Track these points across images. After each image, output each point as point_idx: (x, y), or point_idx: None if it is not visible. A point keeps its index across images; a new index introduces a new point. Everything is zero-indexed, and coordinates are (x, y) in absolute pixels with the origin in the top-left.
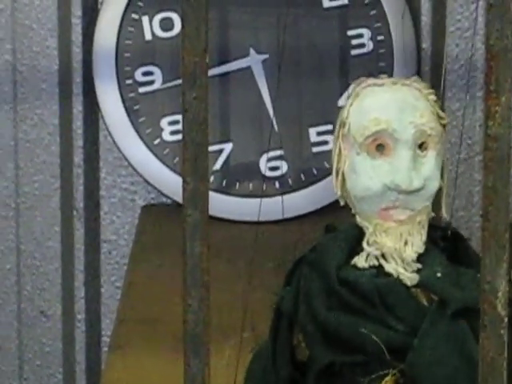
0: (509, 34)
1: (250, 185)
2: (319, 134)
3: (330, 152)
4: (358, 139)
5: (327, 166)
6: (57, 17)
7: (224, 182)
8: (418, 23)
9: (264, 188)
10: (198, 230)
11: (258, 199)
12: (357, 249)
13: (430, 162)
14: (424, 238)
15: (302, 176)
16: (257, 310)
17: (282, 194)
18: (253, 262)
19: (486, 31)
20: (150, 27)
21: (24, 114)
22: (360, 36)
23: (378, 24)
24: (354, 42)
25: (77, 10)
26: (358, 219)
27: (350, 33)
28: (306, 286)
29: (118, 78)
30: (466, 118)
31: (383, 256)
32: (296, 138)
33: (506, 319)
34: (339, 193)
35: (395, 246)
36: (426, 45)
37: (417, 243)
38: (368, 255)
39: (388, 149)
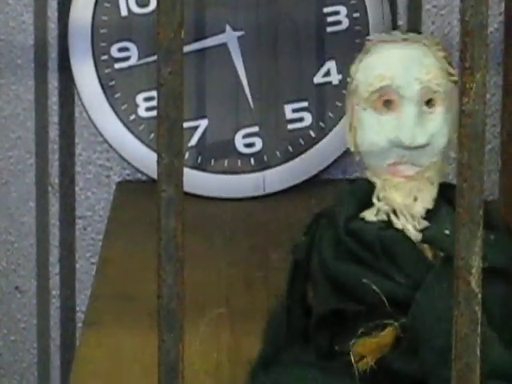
0: (484, 10)
1: (226, 161)
2: (295, 110)
3: (305, 129)
4: (363, 95)
5: (302, 143)
6: None
7: (199, 159)
8: (394, 0)
9: (239, 165)
10: (172, 205)
11: (233, 176)
12: (368, 203)
13: (437, 119)
14: (434, 194)
15: (278, 153)
16: (233, 286)
17: (258, 170)
18: (229, 239)
19: (461, 7)
20: (126, 3)
21: (2, 90)
22: (336, 13)
23: (354, 1)
24: (330, 19)
25: None
26: (368, 174)
27: (326, 10)
28: (320, 236)
29: (93, 53)
30: None
31: (394, 211)
32: (271, 114)
33: (479, 295)
34: (352, 148)
35: (404, 202)
36: (401, 22)
37: (426, 199)
38: (378, 210)
39: (394, 105)
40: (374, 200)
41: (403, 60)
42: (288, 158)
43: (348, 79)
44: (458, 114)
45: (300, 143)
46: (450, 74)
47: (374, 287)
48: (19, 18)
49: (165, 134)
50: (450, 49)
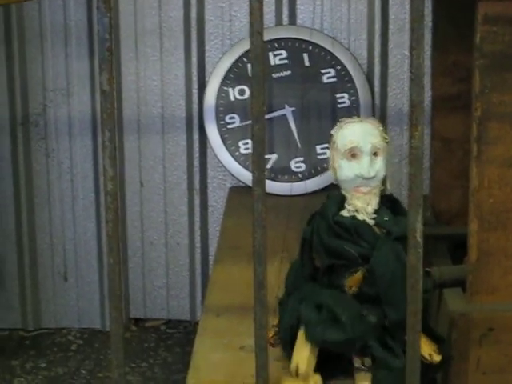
0: (421, 92)
1: (286, 176)
2: (321, 148)
3: (326, 159)
4: (341, 151)
5: (325, 165)
6: (185, 89)
7: (272, 174)
8: (372, 91)
9: (293, 177)
10: (259, 199)
11: (290, 183)
12: (342, 206)
13: (379, 163)
14: (377, 201)
15: (312, 171)
16: (290, 242)
17: (303, 180)
18: (287, 216)
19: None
20: (233, 93)
21: (169, 140)
22: (342, 97)
23: (352, 91)
24: (339, 100)
25: (194, 85)
26: (343, 191)
27: (337, 95)
28: (317, 225)
29: (216, 120)
30: (399, 140)
31: (357, 211)
32: (309, 151)
33: (421, 244)
34: (334, 178)
35: (363, 205)
36: (377, 102)
37: (374, 203)
38: (349, 210)
39: (358, 156)
40: (346, 205)
41: (362, 132)
42: (317, 173)
43: (330, 143)
44: (408, 149)
45: (323, 166)
46: (385, 138)
47: (352, 250)
48: (178, 101)
49: (256, 161)
50: (402, 115)
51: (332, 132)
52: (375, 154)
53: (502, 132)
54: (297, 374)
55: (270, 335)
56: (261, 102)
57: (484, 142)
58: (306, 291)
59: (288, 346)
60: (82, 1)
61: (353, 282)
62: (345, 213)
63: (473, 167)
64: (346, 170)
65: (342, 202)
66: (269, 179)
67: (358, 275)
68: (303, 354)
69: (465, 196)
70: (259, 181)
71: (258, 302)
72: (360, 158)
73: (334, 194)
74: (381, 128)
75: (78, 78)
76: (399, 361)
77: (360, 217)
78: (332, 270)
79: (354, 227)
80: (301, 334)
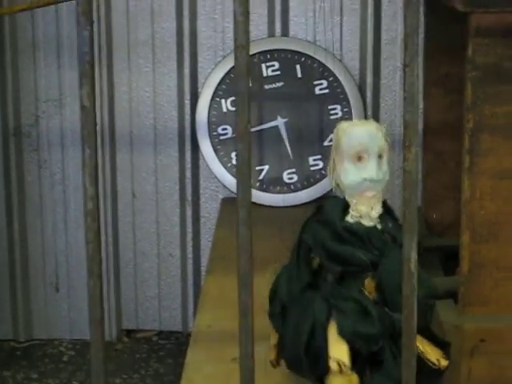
0: (415, 109)
1: (278, 187)
2: (314, 160)
3: (318, 170)
4: (347, 154)
5: (318, 177)
6: (177, 100)
7: (264, 186)
8: (365, 102)
9: (285, 189)
10: (244, 223)
11: (282, 194)
12: (344, 211)
13: (384, 165)
14: (380, 205)
15: (305, 182)
16: (282, 253)
17: (295, 191)
18: (279, 227)
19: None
20: (226, 105)
21: (161, 151)
22: (335, 109)
23: (344, 103)
24: (332, 112)
25: (187, 96)
26: (347, 197)
27: (330, 107)
28: (317, 232)
29: (208, 132)
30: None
31: (360, 216)
32: (302, 162)
33: (416, 275)
34: (333, 183)
35: (367, 210)
36: (369, 113)
37: (378, 208)
38: (352, 216)
39: (364, 159)
40: (350, 210)
41: (368, 134)
42: (310, 184)
43: (333, 147)
44: (403, 174)
45: (317, 177)
46: (387, 141)
47: (364, 257)
48: (171, 113)
49: (240, 182)
50: (394, 127)
51: (333, 135)
52: (380, 156)
53: (494, 144)
54: (341, 371)
55: (273, 356)
56: (246, 121)
57: (476, 153)
58: (314, 298)
59: (296, 363)
60: (74, 12)
61: (370, 287)
62: (349, 218)
63: (465, 179)
64: (353, 174)
65: (343, 207)
66: (261, 190)
67: (372, 280)
68: (342, 349)
69: (457, 207)
70: (244, 203)
71: (244, 330)
72: (367, 160)
73: (333, 200)
74: (384, 129)
75: (70, 89)
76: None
77: (365, 222)
78: (341, 278)
79: (367, 233)
80: (333, 330)
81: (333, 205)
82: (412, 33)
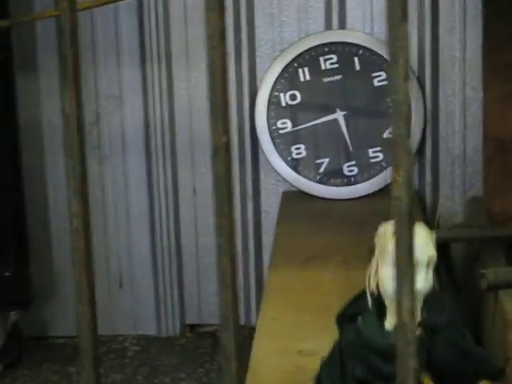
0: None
1: (338, 180)
2: (374, 152)
3: (378, 162)
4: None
5: (377, 169)
6: (236, 95)
7: (324, 179)
8: (424, 93)
9: (345, 181)
10: (225, 253)
11: (344, 187)
12: (380, 319)
13: (430, 273)
14: (420, 313)
15: (365, 175)
16: (343, 246)
17: (355, 184)
18: (339, 220)
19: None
20: (284, 98)
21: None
22: None
23: None
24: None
25: (246, 91)
26: (387, 302)
27: (389, 99)
28: (364, 361)
29: (268, 125)
30: (451, 142)
31: None
32: (361, 154)
33: (411, 327)
34: (374, 288)
35: None
36: (428, 104)
37: (418, 316)
38: (390, 322)
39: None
40: (388, 316)
41: (420, 241)
42: (370, 177)
43: (377, 251)
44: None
45: (376, 170)
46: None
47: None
48: (231, 107)
49: (218, 208)
50: (453, 117)
51: (378, 236)
52: (428, 264)
53: None
54: None
55: None
56: (221, 132)
57: None
58: None
59: None
60: (132, 12)
61: (428, 381)
62: (387, 325)
63: None
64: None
65: (379, 320)
66: (321, 183)
67: (427, 375)
68: None
69: None
70: (222, 230)
71: (227, 375)
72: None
73: (368, 320)
74: (433, 236)
75: (130, 86)
76: None
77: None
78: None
79: None
80: None
81: (370, 326)
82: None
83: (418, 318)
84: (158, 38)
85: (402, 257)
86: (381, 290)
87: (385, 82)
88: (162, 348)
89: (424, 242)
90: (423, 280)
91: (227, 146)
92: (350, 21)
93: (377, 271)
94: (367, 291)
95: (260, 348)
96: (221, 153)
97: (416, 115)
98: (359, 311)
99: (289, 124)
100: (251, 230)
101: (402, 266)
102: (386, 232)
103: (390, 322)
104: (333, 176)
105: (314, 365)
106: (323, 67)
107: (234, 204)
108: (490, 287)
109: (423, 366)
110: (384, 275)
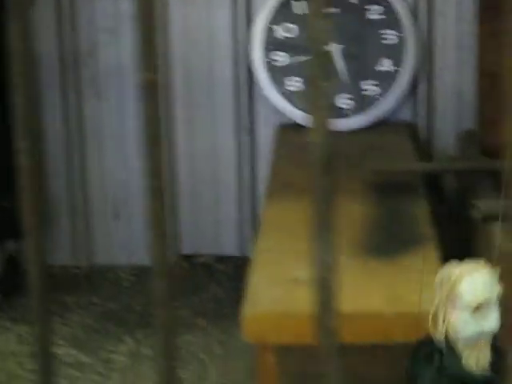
0: None
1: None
2: (365, 84)
3: (373, 96)
4: (470, 304)
5: (369, 101)
6: (231, 27)
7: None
8: (419, 28)
9: (339, 114)
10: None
11: (339, 118)
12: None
13: (498, 312)
14: (489, 351)
15: (358, 107)
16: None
17: (348, 116)
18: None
19: None
20: (280, 31)
21: (216, 76)
22: (391, 34)
23: (399, 28)
24: (386, 37)
25: (242, 23)
26: (460, 347)
27: (382, 31)
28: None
29: (263, 58)
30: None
31: (473, 365)
32: (353, 87)
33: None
34: (442, 335)
35: (478, 355)
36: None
37: (487, 356)
38: (465, 365)
39: (483, 308)
40: (464, 360)
41: (489, 283)
42: (363, 109)
43: (444, 288)
44: None
45: (369, 102)
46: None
47: None
48: (226, 39)
49: (154, 222)
50: (449, 50)
51: (443, 280)
52: (496, 302)
53: None
54: None
55: None
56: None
57: None
58: None
59: None
60: None
61: None
62: (466, 365)
63: None
64: (473, 326)
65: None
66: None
67: None
68: None
69: None
70: (157, 241)
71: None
72: (485, 310)
73: (450, 357)
74: (497, 276)
75: (127, 18)
76: None
77: (477, 371)
78: None
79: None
80: None
81: (453, 365)
82: None
83: (488, 357)
84: None
85: (320, 202)
86: (452, 334)
87: (380, 16)
88: None
89: (492, 282)
90: (496, 321)
91: (155, 84)
92: None
93: (445, 317)
94: (434, 335)
95: (256, 277)
96: (149, 91)
97: (410, 50)
98: (431, 353)
99: (283, 56)
100: (246, 162)
101: (319, 210)
102: (454, 276)
103: (468, 363)
104: None
105: (308, 292)
106: None
107: (229, 136)
108: (484, 218)
109: None
110: (456, 320)
